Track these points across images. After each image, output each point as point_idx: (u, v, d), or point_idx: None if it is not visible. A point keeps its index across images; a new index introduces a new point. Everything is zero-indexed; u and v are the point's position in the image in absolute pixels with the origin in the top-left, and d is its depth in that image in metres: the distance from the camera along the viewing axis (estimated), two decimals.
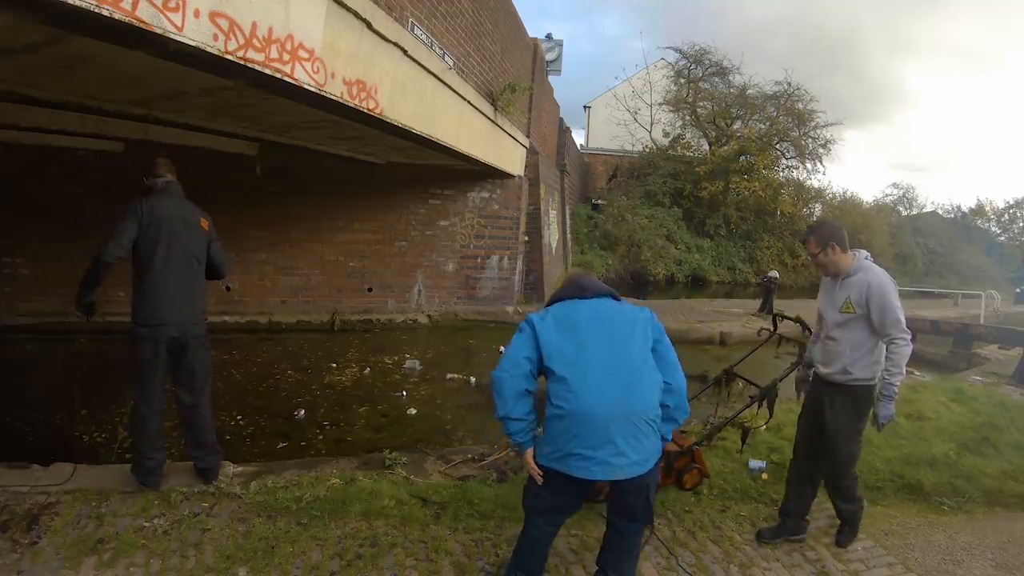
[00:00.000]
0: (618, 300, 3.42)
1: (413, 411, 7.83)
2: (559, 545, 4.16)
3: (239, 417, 7.30)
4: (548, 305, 3.37)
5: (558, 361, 3.10)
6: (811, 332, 5.46)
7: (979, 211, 46.58)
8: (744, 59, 65.93)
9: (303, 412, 7.54)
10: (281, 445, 6.67)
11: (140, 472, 4.47)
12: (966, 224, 45.14)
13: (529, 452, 3.23)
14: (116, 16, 3.17)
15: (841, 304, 4.14)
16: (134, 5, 3.25)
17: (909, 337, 4.00)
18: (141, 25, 3.32)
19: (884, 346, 4.11)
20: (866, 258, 4.21)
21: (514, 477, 5.11)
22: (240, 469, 4.90)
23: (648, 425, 3.08)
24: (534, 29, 50.18)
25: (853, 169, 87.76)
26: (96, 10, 3.05)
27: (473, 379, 9.42)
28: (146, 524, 3.89)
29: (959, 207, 46.95)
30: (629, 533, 3.43)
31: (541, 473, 3.18)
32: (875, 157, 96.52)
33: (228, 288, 12.49)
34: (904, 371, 4.12)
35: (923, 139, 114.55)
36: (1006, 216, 46.42)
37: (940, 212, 45.87)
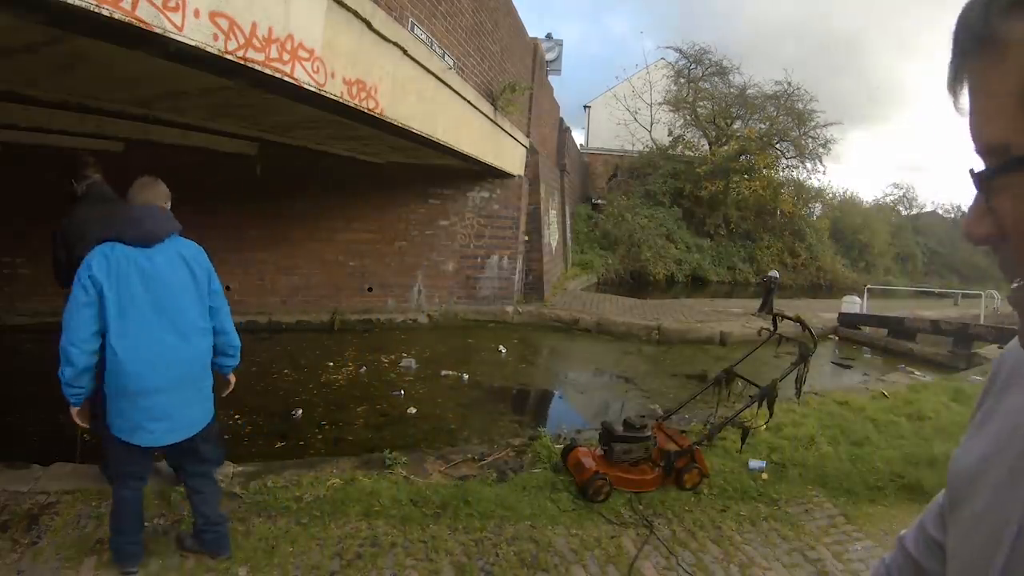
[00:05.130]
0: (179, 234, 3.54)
1: (413, 410, 7.83)
2: (559, 544, 4.17)
3: (236, 417, 7.29)
4: (104, 239, 3.30)
5: (117, 339, 3.16)
6: (811, 332, 5.48)
7: None
8: (752, 60, 65.87)
9: (300, 412, 7.54)
10: (279, 445, 6.68)
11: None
12: None
13: (76, 410, 3.31)
14: (116, 16, 3.17)
15: None
16: (134, 5, 3.25)
17: None
18: (141, 25, 3.32)
19: None
20: None
21: (514, 477, 5.12)
22: (239, 469, 4.90)
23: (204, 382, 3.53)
24: (539, 29, 50.21)
25: (858, 169, 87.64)
26: (96, 10, 3.05)
27: (465, 376, 9.42)
28: (146, 524, 3.89)
29: (959, 207, 46.98)
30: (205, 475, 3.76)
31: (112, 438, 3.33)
32: (880, 157, 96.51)
33: (228, 288, 12.49)
34: None
35: (926, 139, 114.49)
36: None
37: (940, 212, 45.94)
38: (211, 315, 3.52)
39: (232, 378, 3.82)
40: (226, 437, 6.70)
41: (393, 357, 10.30)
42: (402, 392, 8.54)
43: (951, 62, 0.68)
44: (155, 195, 3.55)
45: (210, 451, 3.70)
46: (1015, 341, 0.90)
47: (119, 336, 3.13)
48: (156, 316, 3.22)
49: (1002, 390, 0.95)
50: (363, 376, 9.27)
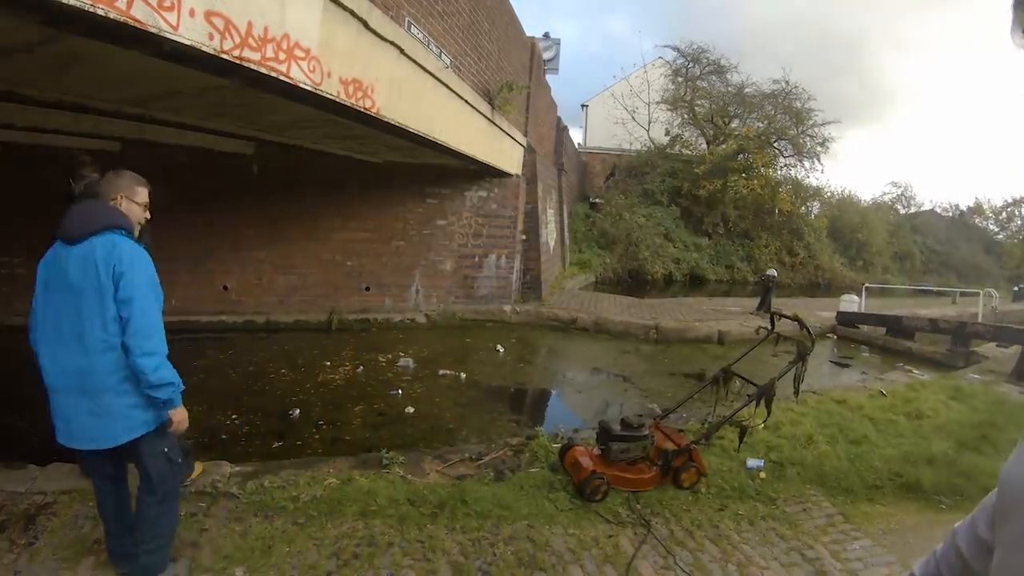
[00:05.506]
0: (115, 230, 3.15)
1: (411, 410, 7.81)
2: (556, 544, 4.16)
3: (234, 416, 7.29)
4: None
5: (38, 333, 3.17)
6: (809, 330, 5.48)
7: (977, 209, 46.65)
8: (751, 58, 65.96)
9: (297, 412, 7.53)
10: (276, 445, 6.66)
11: None
12: (964, 222, 45.22)
13: None
14: (111, 16, 3.17)
15: None
16: (129, 4, 3.24)
17: None
18: (136, 24, 3.31)
19: None
20: None
21: (511, 476, 5.12)
22: (237, 469, 4.89)
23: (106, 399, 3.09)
24: (536, 28, 50.23)
25: (857, 168, 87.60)
26: (91, 10, 3.05)
27: (463, 375, 9.43)
28: None
29: (957, 206, 47.06)
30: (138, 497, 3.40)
31: None
32: (878, 156, 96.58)
33: (225, 287, 12.50)
34: None
35: (925, 137, 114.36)
36: (1004, 214, 46.49)
37: (938, 211, 45.94)
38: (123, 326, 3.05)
39: (174, 416, 3.27)
40: (223, 437, 6.71)
41: (391, 356, 10.30)
42: (399, 392, 8.53)
43: (1013, 8, 0.66)
44: (107, 190, 3.31)
45: (142, 477, 3.32)
46: None
47: (39, 331, 3.14)
48: (65, 317, 3.07)
49: None
50: (360, 376, 9.26)
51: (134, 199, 3.35)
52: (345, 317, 12.57)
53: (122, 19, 3.23)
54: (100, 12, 3.09)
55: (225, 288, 12.54)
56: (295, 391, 8.37)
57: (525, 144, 15.12)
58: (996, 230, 46.71)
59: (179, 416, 3.28)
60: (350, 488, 4.64)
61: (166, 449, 3.31)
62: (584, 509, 4.68)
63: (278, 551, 3.82)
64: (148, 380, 3.06)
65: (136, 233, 3.35)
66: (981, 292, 19.45)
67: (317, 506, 4.38)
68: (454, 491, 4.72)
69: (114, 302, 3.03)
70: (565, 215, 23.05)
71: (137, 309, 3.04)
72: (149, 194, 3.45)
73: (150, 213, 3.49)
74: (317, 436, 6.96)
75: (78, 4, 2.97)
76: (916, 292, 26.91)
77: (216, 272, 12.48)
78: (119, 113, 7.33)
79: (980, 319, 17.08)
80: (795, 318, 5.67)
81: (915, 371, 10.15)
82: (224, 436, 6.74)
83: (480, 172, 13.32)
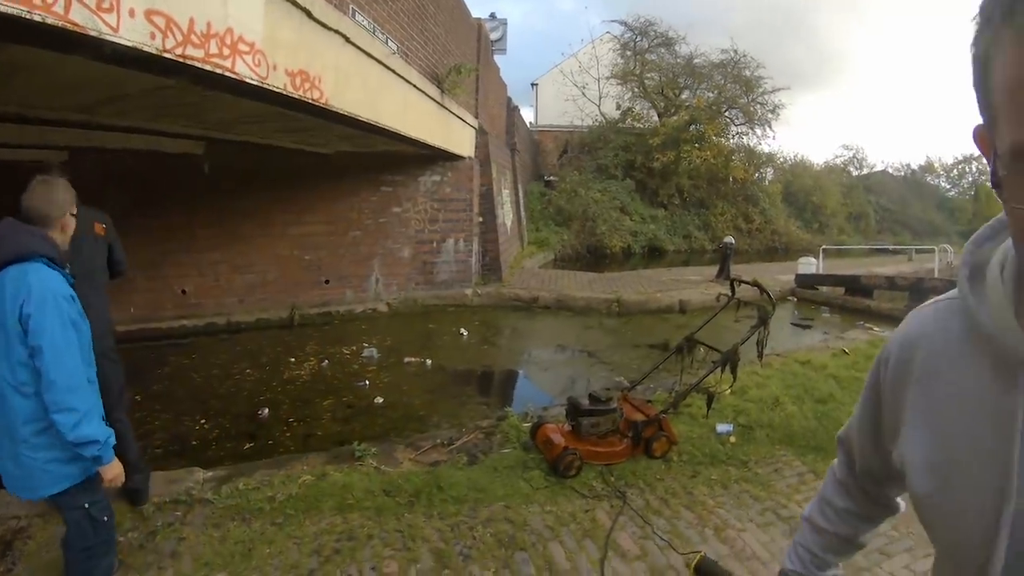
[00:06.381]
0: (33, 259, 2.75)
1: (380, 400, 7.80)
2: (534, 522, 4.20)
3: (203, 421, 7.20)
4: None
5: None
6: (769, 295, 5.57)
7: (928, 168, 47.73)
8: (702, 28, 66.08)
9: (266, 411, 7.47)
10: (248, 446, 6.60)
11: None
12: (916, 181, 46.23)
13: None
14: (49, 21, 3.10)
15: None
16: (67, 8, 3.17)
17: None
18: (75, 29, 3.24)
19: None
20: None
21: (484, 459, 5.15)
22: (210, 474, 4.85)
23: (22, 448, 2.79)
24: (482, 10, 49.87)
25: (809, 132, 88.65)
26: (28, 16, 2.98)
27: (429, 362, 9.44)
28: (120, 539, 3.83)
29: (909, 165, 48.08)
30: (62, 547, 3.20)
31: None
32: (829, 120, 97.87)
33: (184, 291, 12.31)
34: None
35: (874, 100, 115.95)
36: (955, 171, 47.65)
37: (890, 170, 46.84)
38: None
39: (104, 473, 2.94)
40: (193, 443, 6.63)
41: (355, 348, 10.25)
42: (366, 383, 8.50)
43: None
44: (49, 210, 2.97)
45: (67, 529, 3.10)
46: (909, 330, 0.95)
47: None
48: None
49: (925, 382, 0.97)
50: (326, 370, 9.21)
51: (74, 213, 3.09)
52: (306, 312, 12.46)
53: (60, 24, 3.15)
54: (38, 18, 3.02)
55: (183, 292, 12.34)
56: (262, 390, 8.30)
57: (476, 126, 15.08)
58: (948, 187, 47.97)
59: (110, 474, 2.94)
60: (325, 483, 4.63)
61: (86, 505, 3.01)
62: (559, 486, 4.73)
63: (258, 553, 3.81)
64: (67, 438, 2.71)
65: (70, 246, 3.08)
66: (936, 248, 19.83)
67: (294, 504, 4.36)
68: (429, 478, 4.74)
69: (22, 345, 2.68)
70: (520, 195, 23.06)
71: (49, 360, 2.65)
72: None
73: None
74: (288, 434, 6.92)
75: (15, 11, 2.90)
76: (872, 251, 27.45)
77: (173, 276, 12.26)
78: (64, 121, 7.17)
79: (936, 274, 17.47)
80: (755, 283, 5.76)
81: (875, 328, 10.37)
82: (194, 442, 6.66)
83: (433, 157, 13.25)
